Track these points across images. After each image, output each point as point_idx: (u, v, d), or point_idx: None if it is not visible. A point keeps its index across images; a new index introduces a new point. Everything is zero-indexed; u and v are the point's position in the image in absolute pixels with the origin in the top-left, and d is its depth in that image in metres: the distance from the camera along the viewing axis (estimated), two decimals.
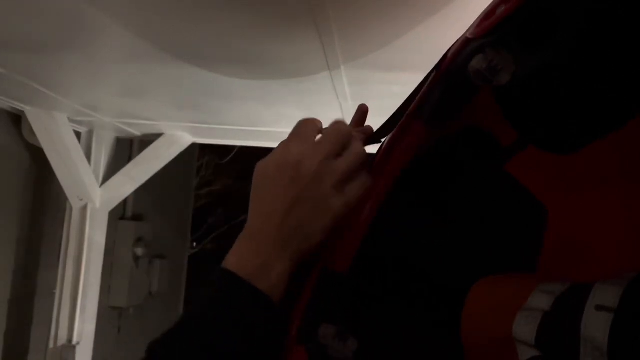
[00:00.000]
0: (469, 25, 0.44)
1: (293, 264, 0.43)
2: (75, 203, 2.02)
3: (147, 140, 2.21)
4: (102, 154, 2.18)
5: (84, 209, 2.04)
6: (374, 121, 0.53)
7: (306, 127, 0.46)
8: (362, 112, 0.54)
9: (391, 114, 0.52)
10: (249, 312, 0.40)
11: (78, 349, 2.01)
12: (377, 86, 1.19)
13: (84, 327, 2.04)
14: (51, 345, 2.03)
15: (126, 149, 2.43)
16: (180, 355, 0.38)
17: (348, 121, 0.54)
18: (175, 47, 1.05)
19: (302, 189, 0.42)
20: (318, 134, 0.46)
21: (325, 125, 0.47)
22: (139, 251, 2.61)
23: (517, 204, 0.51)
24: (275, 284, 0.41)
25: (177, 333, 0.39)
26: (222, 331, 0.38)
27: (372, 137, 0.52)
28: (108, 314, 2.50)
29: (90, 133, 2.13)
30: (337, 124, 0.46)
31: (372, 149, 0.52)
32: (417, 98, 0.48)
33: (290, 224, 0.42)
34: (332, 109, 1.44)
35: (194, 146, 2.41)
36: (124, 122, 1.99)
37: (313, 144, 0.44)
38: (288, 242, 0.42)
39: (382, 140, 0.52)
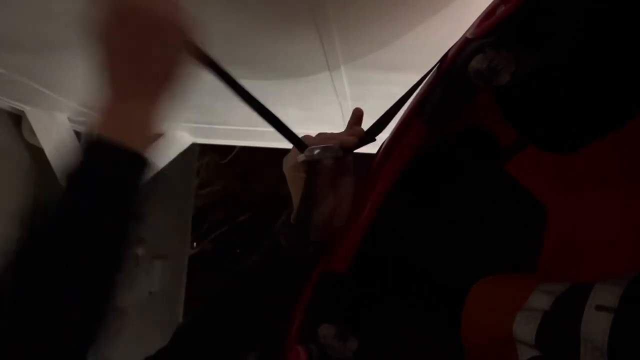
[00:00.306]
0: (469, 25, 0.44)
1: (152, 111, 0.45)
2: None
3: None
4: None
5: None
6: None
7: None
8: (356, 116, 0.54)
9: None
10: (115, 169, 0.43)
11: None
12: (377, 86, 1.19)
13: None
14: None
15: None
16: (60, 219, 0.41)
17: (347, 121, 0.54)
18: None
19: (146, 32, 0.44)
20: None
21: None
22: (139, 251, 2.61)
23: (517, 204, 0.51)
24: (141, 136, 0.44)
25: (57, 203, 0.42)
26: (91, 193, 0.42)
27: (364, 137, 0.51)
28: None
29: None
30: None
31: (370, 148, 0.52)
32: (416, 97, 0.48)
33: (138, 68, 0.44)
34: (332, 109, 1.44)
35: (194, 146, 2.41)
36: None
37: None
38: (142, 85, 0.45)
39: (376, 139, 0.51)
